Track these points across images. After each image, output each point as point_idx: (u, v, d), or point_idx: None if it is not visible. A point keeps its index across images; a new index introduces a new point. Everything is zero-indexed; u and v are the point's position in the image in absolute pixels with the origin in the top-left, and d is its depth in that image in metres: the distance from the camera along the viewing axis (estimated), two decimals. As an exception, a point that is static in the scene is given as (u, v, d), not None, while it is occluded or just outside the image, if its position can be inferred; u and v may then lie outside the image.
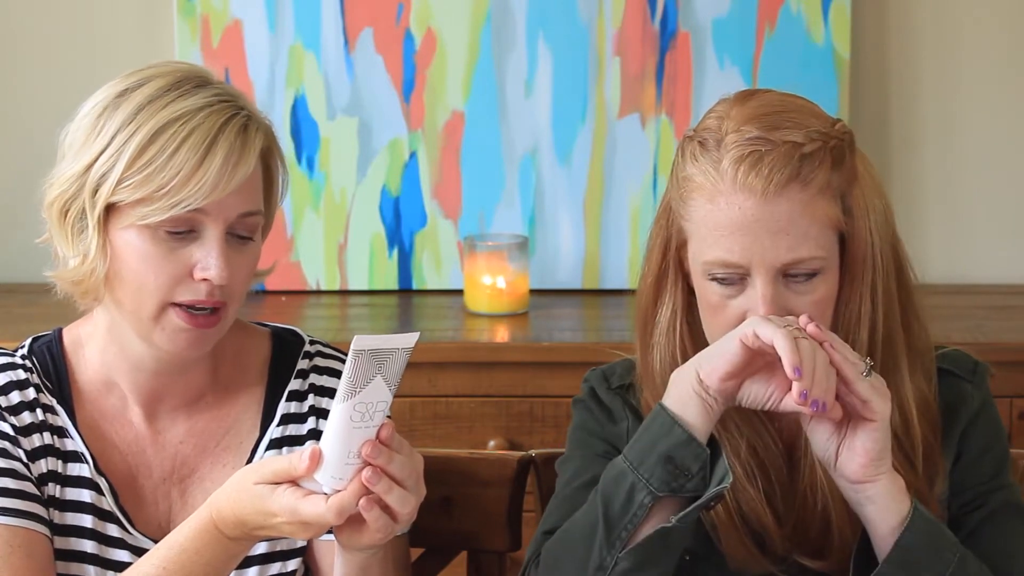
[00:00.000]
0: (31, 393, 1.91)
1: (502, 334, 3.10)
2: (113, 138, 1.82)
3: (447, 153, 3.35)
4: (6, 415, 1.89)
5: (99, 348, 1.93)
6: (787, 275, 1.83)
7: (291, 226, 3.36)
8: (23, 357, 1.94)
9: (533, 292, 3.27)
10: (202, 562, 1.76)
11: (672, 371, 1.85)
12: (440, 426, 2.99)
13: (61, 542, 1.89)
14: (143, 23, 3.38)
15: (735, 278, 1.83)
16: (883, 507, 1.78)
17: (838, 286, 1.87)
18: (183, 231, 1.83)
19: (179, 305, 1.84)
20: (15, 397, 1.91)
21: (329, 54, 3.32)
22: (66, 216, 1.85)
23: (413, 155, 3.35)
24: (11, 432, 1.88)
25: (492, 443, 2.99)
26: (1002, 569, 1.87)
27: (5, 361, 1.93)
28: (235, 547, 1.77)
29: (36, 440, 1.90)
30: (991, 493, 1.92)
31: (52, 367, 1.94)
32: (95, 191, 1.82)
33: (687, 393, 1.78)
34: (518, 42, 3.34)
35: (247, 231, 1.86)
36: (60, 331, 1.97)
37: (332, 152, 3.35)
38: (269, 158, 1.91)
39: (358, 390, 1.66)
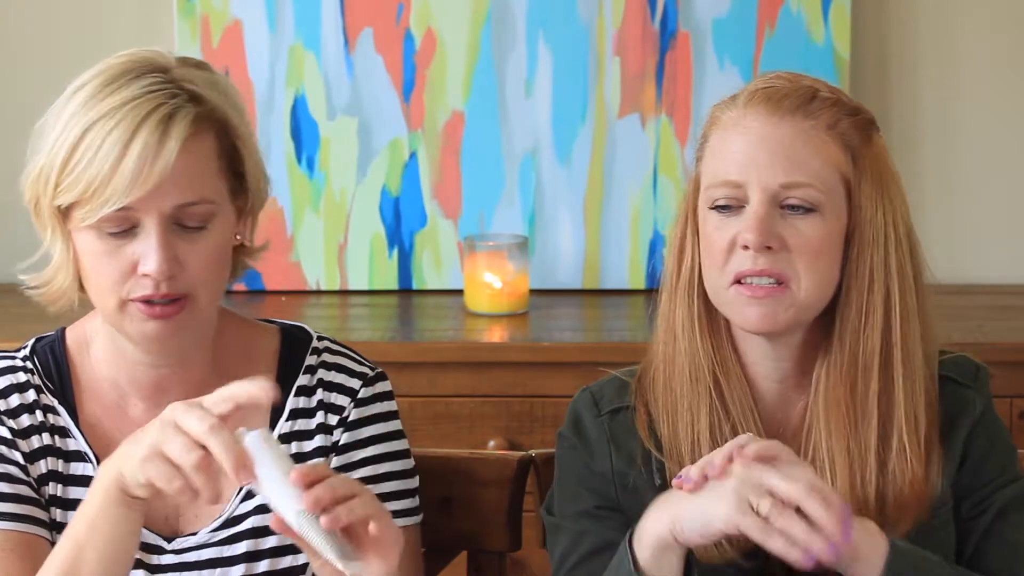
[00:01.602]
0: (31, 395, 1.92)
1: (502, 334, 3.10)
2: (56, 140, 1.82)
3: (447, 153, 3.35)
4: (4, 419, 1.89)
5: (102, 345, 1.94)
6: (783, 205, 1.86)
7: (291, 226, 3.36)
8: (24, 359, 1.94)
9: (533, 292, 3.27)
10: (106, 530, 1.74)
11: (690, 335, 1.90)
12: (440, 426, 2.99)
13: None
14: (143, 23, 3.38)
15: (733, 205, 1.86)
16: (866, 562, 1.78)
17: (846, 246, 1.88)
18: (124, 229, 1.82)
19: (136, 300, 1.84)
20: (14, 400, 1.91)
21: (329, 54, 3.32)
22: (39, 217, 1.86)
23: (413, 155, 3.35)
24: (8, 436, 1.88)
25: (492, 443, 2.99)
26: (1016, 565, 1.88)
27: (6, 365, 1.94)
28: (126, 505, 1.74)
29: (35, 442, 1.90)
30: (998, 491, 1.93)
31: (54, 367, 1.94)
32: (45, 194, 1.84)
33: (662, 552, 1.79)
34: (518, 42, 3.34)
35: (196, 221, 1.83)
36: (63, 331, 1.97)
37: (332, 152, 3.35)
38: (225, 138, 1.86)
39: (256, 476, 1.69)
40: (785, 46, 3.32)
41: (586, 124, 3.35)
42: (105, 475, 1.73)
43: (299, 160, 3.34)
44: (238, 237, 1.92)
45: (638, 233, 3.37)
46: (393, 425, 1.99)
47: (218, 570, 1.91)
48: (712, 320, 1.92)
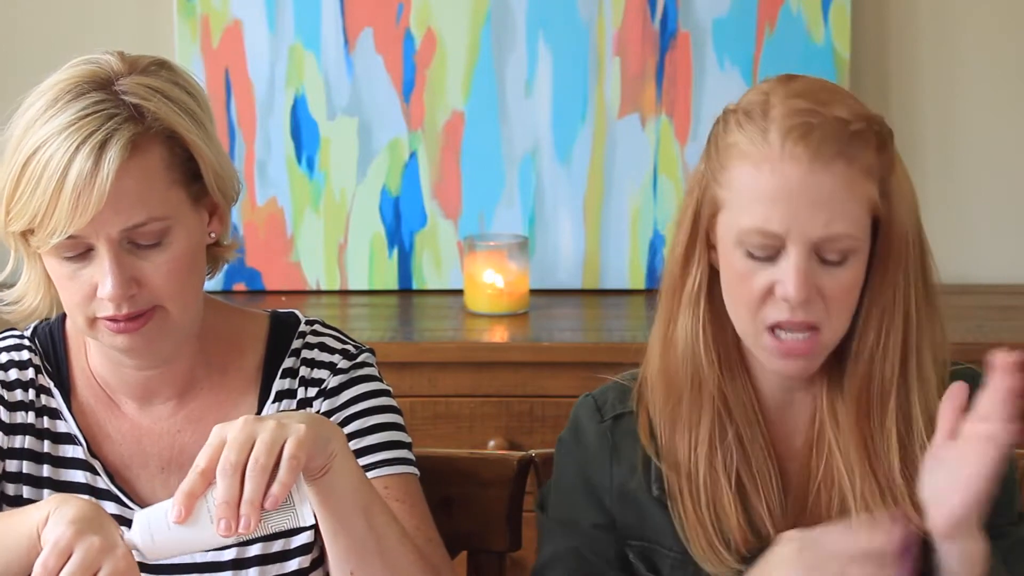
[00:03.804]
0: (29, 373, 1.94)
1: (502, 334, 3.10)
2: (6, 164, 1.81)
3: (447, 153, 3.35)
4: None
5: (92, 344, 1.95)
6: (819, 253, 1.81)
7: (291, 226, 3.36)
8: (29, 338, 1.97)
9: (533, 292, 3.27)
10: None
11: (692, 346, 1.87)
12: (440, 426, 2.99)
13: None
14: (143, 23, 3.38)
15: (769, 251, 1.81)
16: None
17: (868, 271, 1.85)
18: (80, 252, 1.81)
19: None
20: (12, 375, 1.94)
21: (329, 54, 3.32)
22: (5, 233, 1.86)
23: (413, 155, 3.35)
24: None
25: (492, 443, 2.99)
26: None
27: (13, 342, 1.97)
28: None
29: (19, 417, 1.92)
30: (1012, 524, 1.90)
31: (52, 350, 1.96)
32: (2, 218, 1.84)
33: None
34: (518, 42, 3.34)
35: (149, 239, 1.82)
36: (63, 316, 1.98)
37: (332, 152, 3.35)
38: (176, 147, 1.83)
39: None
40: (785, 46, 3.32)
41: (586, 124, 3.35)
42: (40, 509, 1.70)
43: (299, 160, 3.34)
44: (212, 235, 1.91)
45: (638, 233, 3.37)
46: (377, 385, 1.97)
47: (210, 553, 1.91)
48: (720, 327, 1.89)
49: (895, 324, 1.87)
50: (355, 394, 1.96)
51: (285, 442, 1.67)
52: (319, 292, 3.38)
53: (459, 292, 3.28)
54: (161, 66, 1.87)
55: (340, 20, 3.32)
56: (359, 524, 1.78)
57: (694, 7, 3.32)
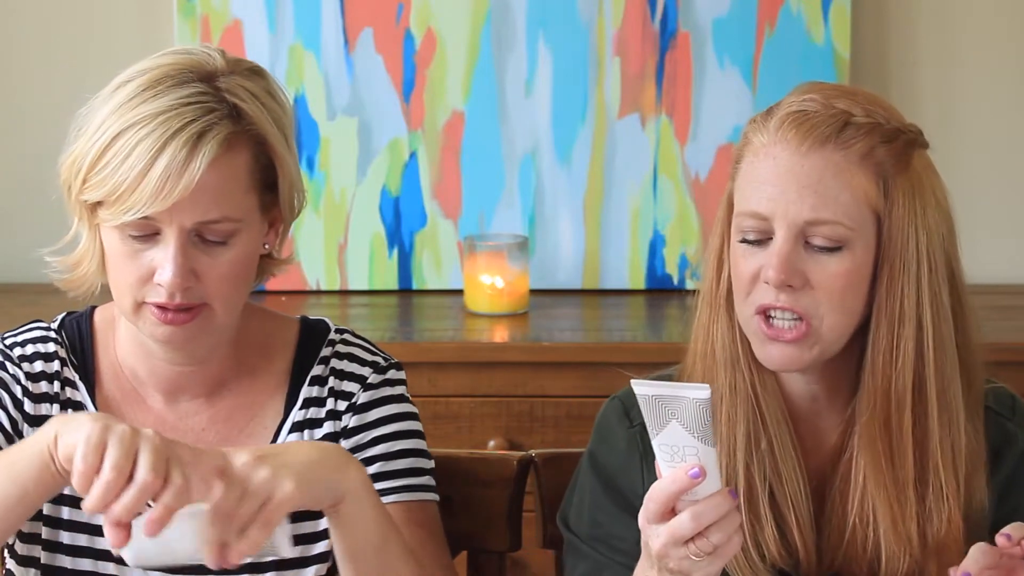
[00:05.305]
0: (55, 366, 1.95)
1: (502, 334, 3.10)
2: (91, 135, 1.83)
3: (447, 153, 3.35)
4: (21, 379, 1.93)
5: (125, 335, 1.96)
6: (809, 241, 1.81)
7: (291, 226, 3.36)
8: (55, 331, 1.97)
9: (533, 292, 3.27)
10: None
11: (731, 347, 1.86)
12: (440, 426, 2.99)
13: (74, 513, 1.91)
14: (143, 23, 3.38)
15: (759, 235, 1.81)
16: None
17: (873, 275, 1.83)
18: (146, 234, 1.83)
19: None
20: (38, 366, 1.94)
21: (329, 54, 3.33)
22: (69, 202, 1.88)
23: (413, 155, 3.35)
24: (18, 395, 1.92)
25: (492, 443, 2.99)
26: None
27: (39, 334, 1.97)
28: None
29: (44, 409, 1.93)
30: None
31: (79, 343, 1.97)
32: (74, 186, 1.85)
33: None
34: (518, 42, 3.34)
35: (217, 236, 1.84)
36: (93, 309, 1.99)
37: (332, 152, 3.35)
38: (262, 154, 1.87)
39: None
40: (785, 46, 3.32)
41: (586, 124, 3.35)
42: (46, 431, 1.71)
43: (299, 160, 3.34)
44: (266, 246, 1.93)
45: (638, 233, 3.37)
46: (405, 407, 1.99)
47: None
48: None
49: (906, 336, 1.83)
50: (384, 414, 1.98)
51: (270, 497, 1.70)
52: (319, 292, 3.38)
53: (459, 292, 3.29)
54: (258, 73, 1.90)
55: (340, 20, 3.32)
56: (372, 558, 1.81)
57: (694, 7, 3.32)
